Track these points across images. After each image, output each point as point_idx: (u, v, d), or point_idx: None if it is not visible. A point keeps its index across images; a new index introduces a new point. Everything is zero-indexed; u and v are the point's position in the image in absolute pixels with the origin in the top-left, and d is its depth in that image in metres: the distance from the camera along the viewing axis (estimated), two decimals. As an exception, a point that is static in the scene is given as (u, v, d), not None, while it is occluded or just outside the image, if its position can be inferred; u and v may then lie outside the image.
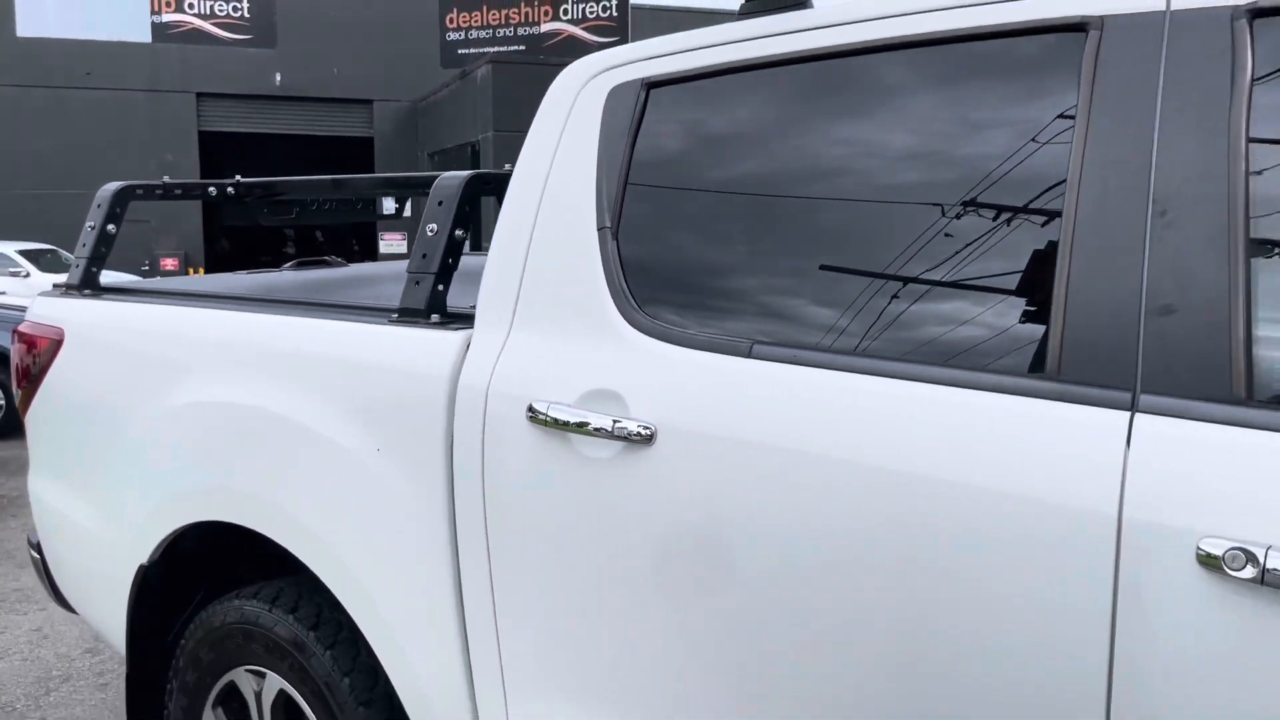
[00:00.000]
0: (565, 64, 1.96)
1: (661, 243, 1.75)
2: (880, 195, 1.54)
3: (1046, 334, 1.35)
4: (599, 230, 1.79)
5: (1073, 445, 1.27)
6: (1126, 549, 1.21)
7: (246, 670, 2.31)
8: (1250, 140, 1.25)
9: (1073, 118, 1.38)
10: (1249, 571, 1.13)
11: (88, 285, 2.80)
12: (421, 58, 22.73)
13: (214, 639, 2.34)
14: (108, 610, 2.61)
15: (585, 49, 16.48)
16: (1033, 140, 1.42)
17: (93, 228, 2.80)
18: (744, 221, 1.67)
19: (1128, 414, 1.26)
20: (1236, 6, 1.30)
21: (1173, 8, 1.35)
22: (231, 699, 2.39)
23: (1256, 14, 1.29)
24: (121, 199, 2.82)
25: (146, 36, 23.83)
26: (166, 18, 23.83)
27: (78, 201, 19.97)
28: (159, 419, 2.36)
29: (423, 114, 23.44)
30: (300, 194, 3.18)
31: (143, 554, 2.42)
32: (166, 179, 3.03)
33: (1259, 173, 1.25)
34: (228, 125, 24.49)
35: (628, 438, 1.63)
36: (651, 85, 1.82)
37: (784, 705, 1.51)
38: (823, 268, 1.57)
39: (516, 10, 18.78)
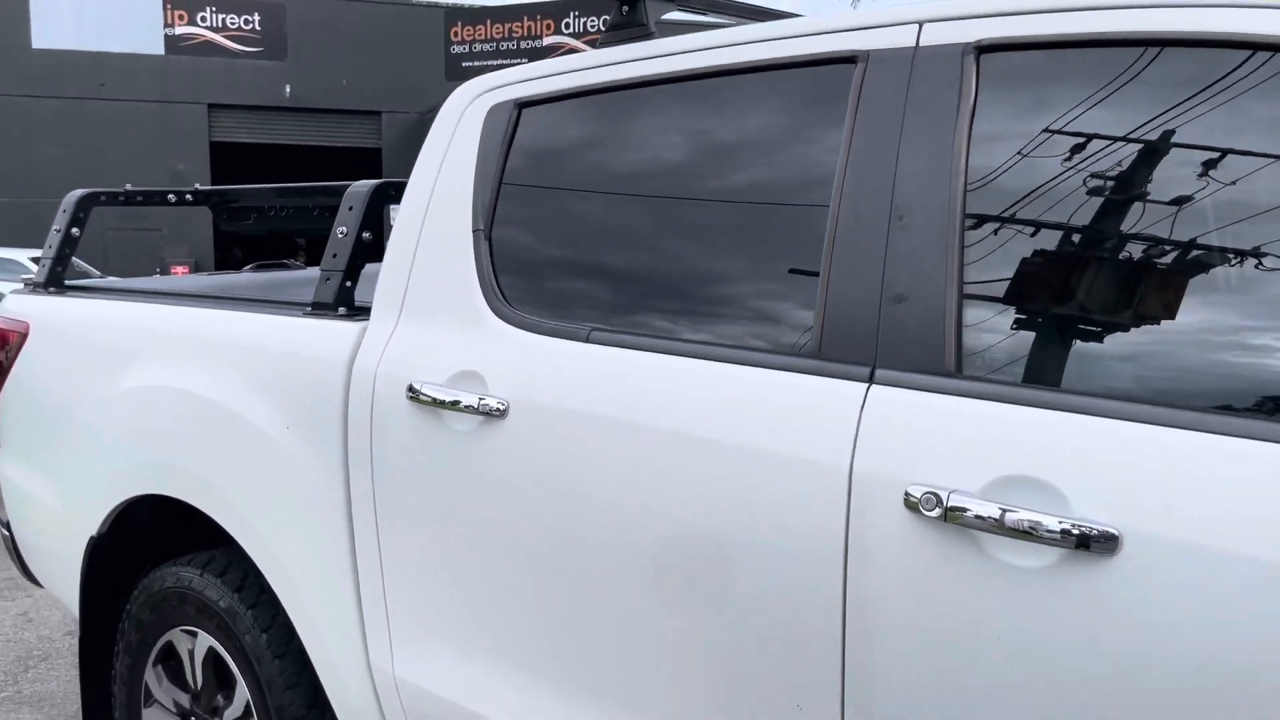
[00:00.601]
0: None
1: (525, 243, 2.00)
2: (692, 204, 1.79)
3: (813, 320, 1.59)
4: (474, 232, 2.04)
5: (821, 411, 1.52)
6: (856, 496, 1.45)
7: (181, 630, 2.56)
8: (968, 156, 1.50)
9: (840, 135, 1.63)
10: (936, 512, 1.37)
11: (53, 283, 3.06)
12: (428, 70, 23.08)
13: (154, 603, 2.59)
14: (66, 581, 2.87)
15: (587, 62, 16.68)
16: (815, 154, 1.66)
17: (58, 231, 3.07)
18: (589, 226, 1.92)
19: (865, 385, 1.50)
20: (966, 43, 1.54)
21: (920, 44, 1.59)
22: (170, 658, 2.64)
23: (982, 50, 1.53)
24: (84, 205, 3.09)
25: (159, 49, 24.28)
26: (179, 30, 24.26)
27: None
28: (108, 402, 2.62)
29: (430, 125, 23.73)
30: (252, 201, 3.45)
31: (93, 526, 2.67)
32: (129, 186, 3.30)
33: (973, 186, 1.49)
34: (238, 136, 24.89)
35: (487, 412, 1.88)
36: (523, 105, 2.07)
37: (612, 637, 1.75)
38: (645, 267, 1.82)
39: (519, 24, 19.13)
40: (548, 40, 19.17)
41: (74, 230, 3.08)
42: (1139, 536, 1.24)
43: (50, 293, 3.04)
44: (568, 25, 19.44)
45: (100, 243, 21.99)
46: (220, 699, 2.50)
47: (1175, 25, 1.38)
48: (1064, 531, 1.27)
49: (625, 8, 2.19)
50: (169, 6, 23.82)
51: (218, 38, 24.50)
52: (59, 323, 2.87)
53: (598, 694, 1.77)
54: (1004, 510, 1.32)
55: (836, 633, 1.48)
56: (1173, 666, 1.21)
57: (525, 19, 19.33)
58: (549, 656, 1.84)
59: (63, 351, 2.81)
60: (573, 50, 19.20)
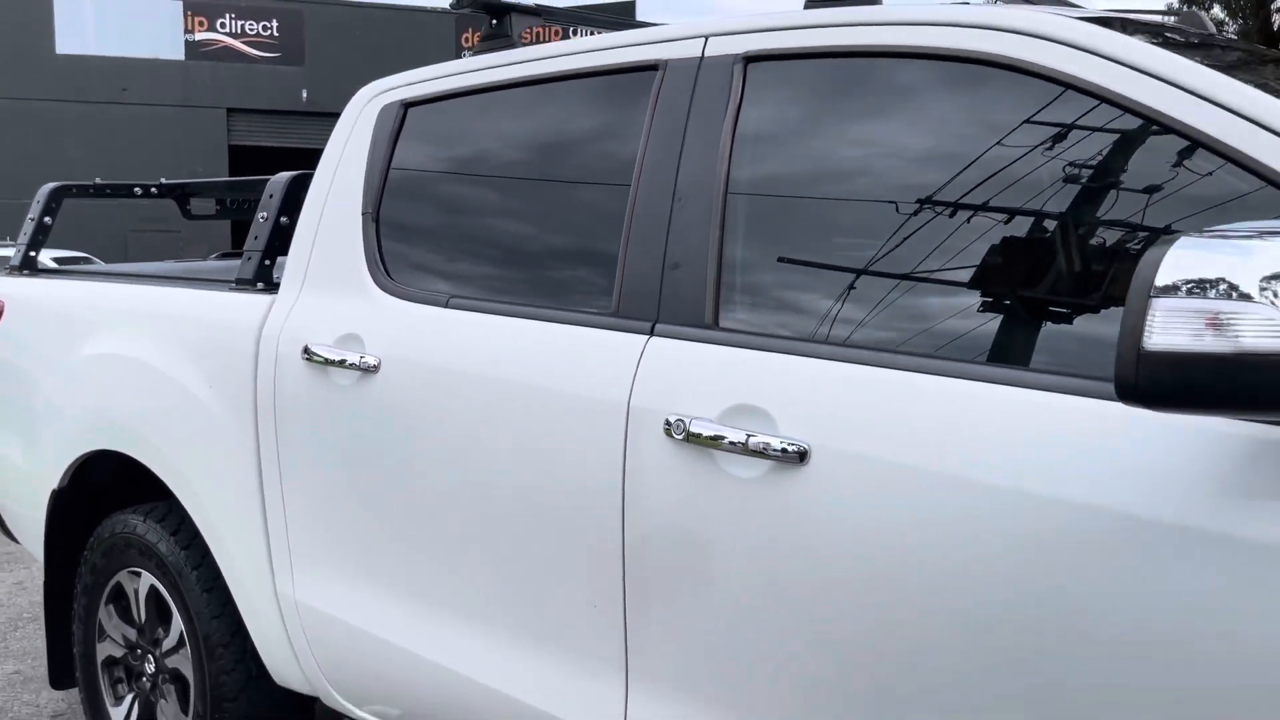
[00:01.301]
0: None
1: (405, 224, 2.32)
2: (532, 188, 2.10)
3: (613, 283, 1.90)
4: (363, 215, 2.36)
5: (612, 359, 1.83)
6: (631, 425, 1.76)
7: (128, 572, 2.89)
8: (733, 148, 1.81)
9: (642, 131, 1.94)
10: (682, 434, 1.68)
11: (26, 266, 3.41)
12: (441, 76, 23.42)
13: (105, 548, 2.92)
14: (34, 533, 3.20)
15: (594, 68, 17.05)
16: (625, 148, 1.97)
17: (32, 220, 3.41)
18: (455, 209, 2.24)
19: (646, 337, 1.81)
20: (737, 54, 1.85)
21: (705, 55, 1.90)
22: (120, 598, 2.97)
23: (749, 60, 1.84)
24: (56, 196, 3.43)
25: (180, 54, 24.83)
26: (199, 36, 24.81)
27: (114, 212, 20.89)
28: (67, 369, 2.95)
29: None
30: (212, 194, 3.80)
31: (54, 480, 3.01)
32: (98, 180, 3.64)
33: (733, 174, 1.80)
34: (257, 140, 25.41)
35: (365, 369, 2.20)
36: (408, 105, 2.39)
37: (465, 557, 2.06)
38: (495, 244, 2.13)
39: (527, 32, 19.49)
40: (556, 46, 19.55)
41: (46, 219, 3.42)
42: (824, 449, 1.55)
43: (24, 275, 3.38)
44: (576, 32, 19.83)
45: (122, 243, 22.51)
46: (160, 631, 2.83)
47: (887, 40, 1.69)
48: (768, 446, 1.58)
49: (494, 21, 2.48)
50: (189, 13, 24.39)
51: (237, 43, 25.03)
52: (29, 301, 3.21)
53: (455, 609, 2.09)
54: (728, 431, 1.63)
55: (618, 539, 1.79)
56: (856, 553, 1.51)
57: (532, 25, 19.68)
58: (414, 575, 2.16)
59: (31, 326, 3.15)
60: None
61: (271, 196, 2.66)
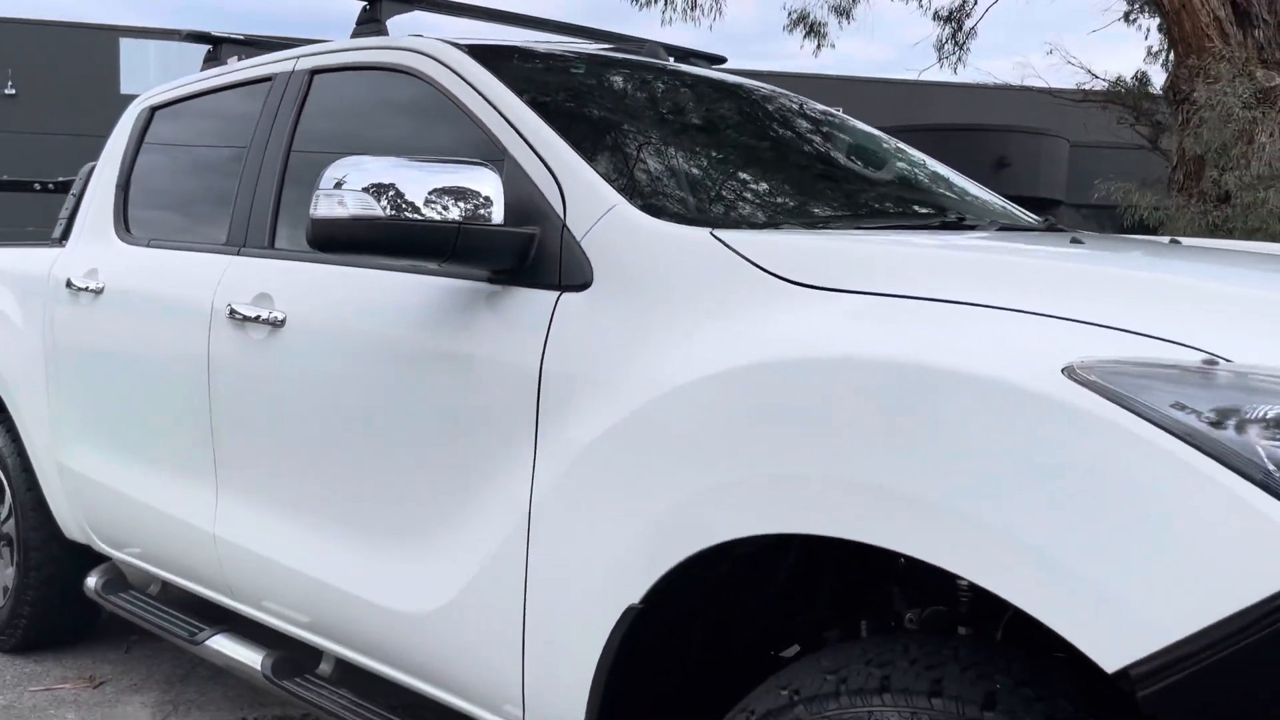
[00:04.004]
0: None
1: (142, 192, 3.24)
2: (206, 163, 3.01)
3: (229, 220, 2.79)
4: (116, 186, 3.29)
5: (210, 273, 2.71)
6: (214, 316, 2.63)
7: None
8: (293, 139, 2.69)
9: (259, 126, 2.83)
10: (233, 316, 2.55)
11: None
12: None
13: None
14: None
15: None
16: (249, 132, 2.86)
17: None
18: (170, 179, 3.16)
19: (233, 257, 2.69)
20: (306, 69, 2.74)
21: (294, 69, 2.79)
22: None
23: (315, 72, 2.73)
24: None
25: (233, 93, 26.34)
26: (252, 77, 26.26)
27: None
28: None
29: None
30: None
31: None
32: (4, 177, 4.65)
33: (293, 154, 2.68)
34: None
35: (97, 291, 3.11)
36: (154, 109, 3.33)
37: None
38: (181, 202, 3.05)
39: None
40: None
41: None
42: (295, 316, 2.41)
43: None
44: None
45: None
46: (1, 512, 3.75)
47: (364, 59, 2.58)
48: (265, 317, 2.45)
49: (366, 6, 3.21)
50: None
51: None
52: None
53: (147, 459, 2.97)
54: (250, 310, 2.50)
55: (205, 391, 2.66)
56: (311, 381, 2.37)
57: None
58: (124, 438, 3.05)
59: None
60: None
61: (80, 179, 3.60)
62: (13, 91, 24.24)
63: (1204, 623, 1.15)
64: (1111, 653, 1.22)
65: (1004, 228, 2.45)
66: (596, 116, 2.38)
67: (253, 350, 2.52)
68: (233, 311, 2.56)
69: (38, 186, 4.67)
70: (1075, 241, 2.10)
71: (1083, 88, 15.29)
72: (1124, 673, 1.20)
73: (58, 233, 3.60)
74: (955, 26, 12.65)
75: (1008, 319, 1.43)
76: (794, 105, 2.93)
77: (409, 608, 2.14)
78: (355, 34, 2.76)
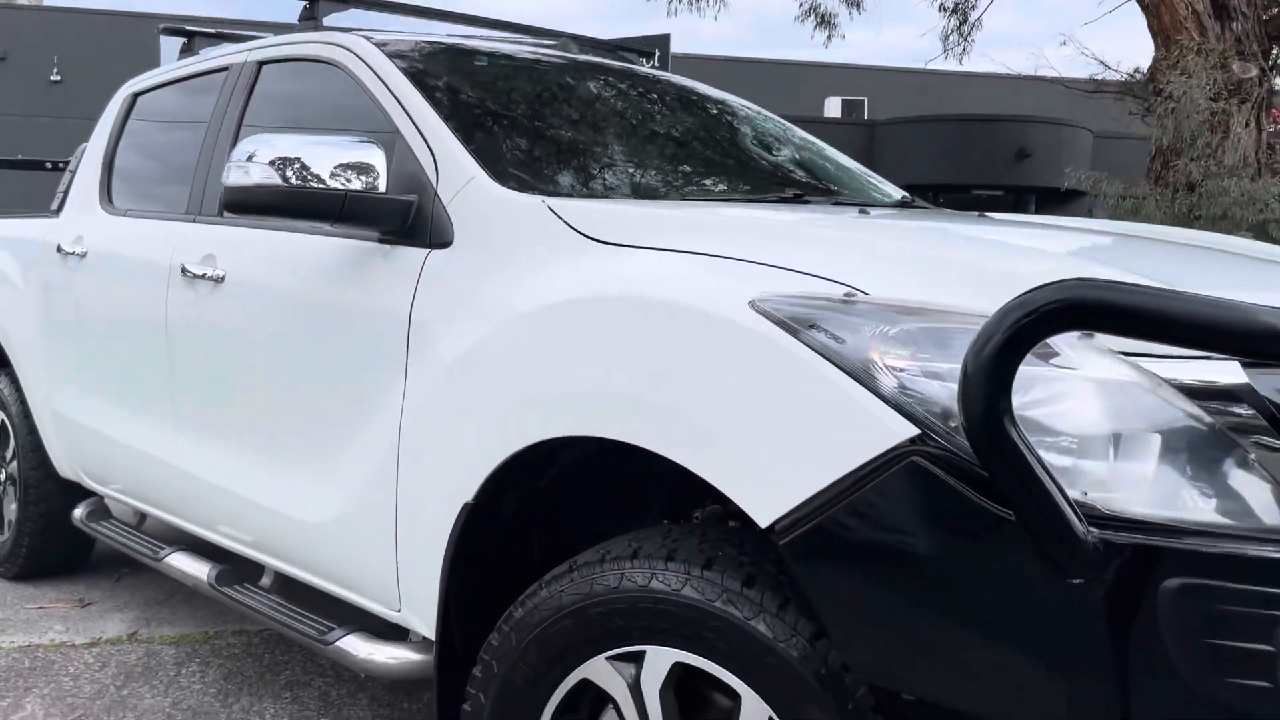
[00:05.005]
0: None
1: (124, 168, 3.67)
2: (178, 141, 3.43)
3: (191, 194, 3.20)
4: (102, 163, 3.71)
5: (170, 239, 3.12)
6: (171, 274, 3.05)
7: (-9, 412, 4.28)
8: (242, 120, 3.09)
9: (216, 109, 3.24)
10: (184, 274, 2.96)
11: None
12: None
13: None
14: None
15: (632, 95, 18.45)
16: (218, 120, 3.27)
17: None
18: (147, 156, 3.58)
19: (191, 224, 3.10)
20: (257, 61, 3.14)
21: (246, 61, 3.19)
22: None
23: (263, 63, 3.13)
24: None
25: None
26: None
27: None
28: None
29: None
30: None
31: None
32: (19, 156, 5.10)
33: (241, 133, 3.08)
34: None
35: (82, 255, 3.54)
36: (136, 94, 3.75)
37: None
38: (153, 178, 3.47)
39: (574, 60, 21.05)
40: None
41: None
42: (231, 273, 2.82)
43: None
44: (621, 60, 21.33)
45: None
46: (6, 452, 4.20)
47: (296, 53, 2.97)
48: (211, 274, 2.86)
49: (306, 5, 3.64)
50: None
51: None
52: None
53: (119, 403, 3.40)
54: (198, 268, 2.91)
55: (163, 339, 3.07)
56: (246, 328, 2.77)
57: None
58: (105, 384, 3.48)
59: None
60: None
61: (75, 157, 4.04)
62: (58, 78, 25.02)
63: (821, 485, 1.52)
64: (764, 514, 1.59)
65: (838, 203, 2.81)
66: (480, 103, 2.76)
67: (199, 303, 2.92)
68: (184, 270, 2.97)
69: (49, 165, 5.13)
70: (863, 212, 2.46)
71: (1095, 78, 15.41)
72: (771, 528, 1.58)
73: (55, 205, 4.04)
74: (961, 18, 12.88)
75: (727, 264, 1.80)
76: (674, 91, 3.31)
77: (313, 518, 2.54)
78: (298, 29, 3.15)
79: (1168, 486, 1.44)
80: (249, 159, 2.33)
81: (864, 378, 1.52)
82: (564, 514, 2.28)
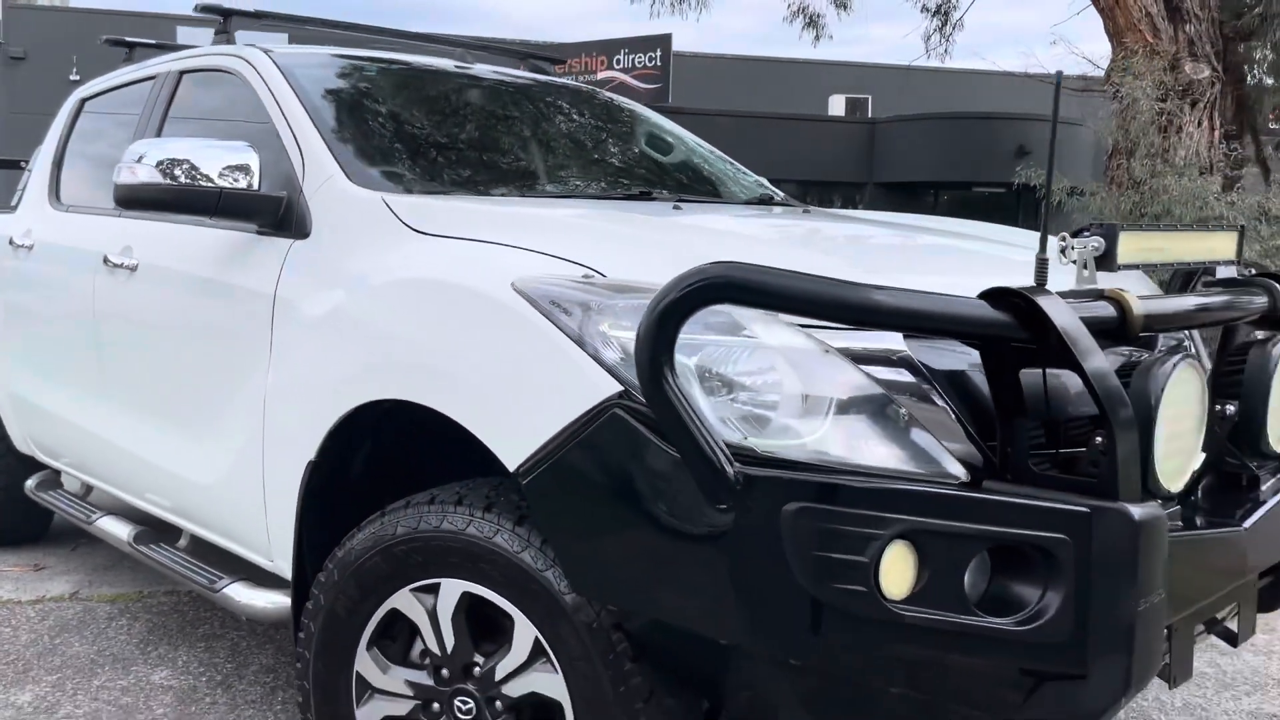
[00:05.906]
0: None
1: (71, 168, 4.00)
2: (114, 142, 3.75)
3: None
4: (52, 163, 4.05)
5: (98, 231, 3.44)
6: (97, 263, 3.37)
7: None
8: (164, 124, 3.41)
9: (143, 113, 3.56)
10: (106, 263, 3.29)
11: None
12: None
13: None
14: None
15: (634, 93, 18.81)
16: (148, 124, 3.59)
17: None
18: (87, 157, 3.91)
19: (116, 218, 3.43)
20: (177, 71, 3.46)
21: (170, 70, 3.51)
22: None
23: (183, 72, 3.45)
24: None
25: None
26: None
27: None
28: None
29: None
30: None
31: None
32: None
33: (162, 133, 3.40)
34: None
35: (29, 248, 3.87)
36: (84, 99, 4.08)
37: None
38: (92, 177, 3.80)
39: (578, 60, 21.34)
40: (601, 75, 21.33)
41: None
42: (143, 262, 3.14)
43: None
44: (618, 61, 21.61)
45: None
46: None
47: (207, 64, 3.29)
48: (126, 264, 3.18)
49: (221, 20, 3.98)
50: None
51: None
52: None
53: (61, 382, 3.72)
54: (118, 259, 3.23)
55: (92, 321, 3.39)
56: (154, 311, 3.09)
57: (582, 55, 21.58)
58: (47, 367, 3.81)
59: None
60: (623, 84, 21.46)
61: (34, 158, 4.38)
62: (77, 78, 25.46)
63: (550, 434, 1.83)
64: (512, 460, 1.89)
65: (682, 199, 3.10)
66: (352, 109, 3.07)
67: (118, 290, 3.25)
68: (107, 259, 3.29)
69: (23, 164, 5.47)
70: (676, 208, 2.77)
71: (1085, 78, 15.60)
72: (518, 471, 1.88)
73: (15, 201, 4.38)
74: (942, 20, 13.11)
75: (505, 251, 2.11)
76: (551, 95, 3.61)
77: (205, 480, 2.86)
78: (213, 42, 3.47)
79: (830, 432, 1.73)
80: (139, 160, 2.65)
81: (584, 344, 1.82)
82: (413, 475, 2.59)
